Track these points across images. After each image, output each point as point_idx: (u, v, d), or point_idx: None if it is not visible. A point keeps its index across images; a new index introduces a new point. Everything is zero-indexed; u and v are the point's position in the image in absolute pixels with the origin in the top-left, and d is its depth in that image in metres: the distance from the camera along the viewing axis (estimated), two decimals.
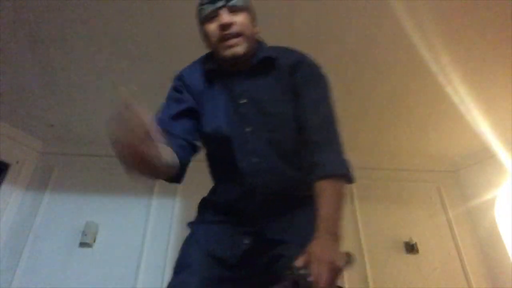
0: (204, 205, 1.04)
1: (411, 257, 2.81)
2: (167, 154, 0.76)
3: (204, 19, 0.95)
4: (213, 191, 1.05)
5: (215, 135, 0.93)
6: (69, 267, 2.56)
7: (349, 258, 0.70)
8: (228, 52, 0.92)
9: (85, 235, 2.64)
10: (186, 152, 0.88)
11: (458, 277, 2.75)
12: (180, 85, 0.99)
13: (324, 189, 0.80)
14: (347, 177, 0.84)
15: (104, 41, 2.01)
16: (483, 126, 2.58)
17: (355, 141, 2.99)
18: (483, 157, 2.96)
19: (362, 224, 2.92)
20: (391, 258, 2.80)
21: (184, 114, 0.94)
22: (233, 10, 0.93)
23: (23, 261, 2.57)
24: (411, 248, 2.81)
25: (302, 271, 0.65)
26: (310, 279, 0.64)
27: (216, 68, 0.99)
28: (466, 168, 3.16)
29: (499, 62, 2.08)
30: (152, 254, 2.62)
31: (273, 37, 1.99)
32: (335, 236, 0.75)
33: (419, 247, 2.82)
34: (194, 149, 0.93)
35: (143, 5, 1.80)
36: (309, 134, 0.89)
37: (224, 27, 0.90)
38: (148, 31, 1.95)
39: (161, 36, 1.95)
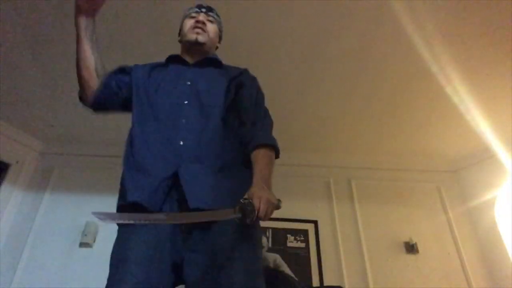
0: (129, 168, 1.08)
1: (411, 257, 2.81)
2: (96, 65, 1.13)
3: (186, 16, 1.31)
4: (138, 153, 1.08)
5: (162, 101, 1.13)
6: (69, 267, 2.56)
7: (279, 202, 0.93)
8: (194, 36, 1.23)
9: (85, 235, 2.64)
10: (109, 83, 1.17)
11: (458, 277, 2.75)
12: (129, 69, 1.26)
13: (259, 153, 1.04)
14: (275, 148, 1.08)
15: (104, 41, 2.01)
16: (483, 126, 2.58)
17: (356, 141, 3.00)
18: (483, 157, 2.96)
19: (362, 224, 2.92)
20: (391, 258, 2.80)
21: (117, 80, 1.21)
22: (208, 19, 1.29)
23: (23, 261, 2.56)
24: (411, 248, 2.81)
25: (246, 201, 0.87)
26: (254, 206, 0.86)
27: (177, 56, 1.27)
28: (466, 168, 3.16)
29: (499, 62, 2.08)
30: None
31: (274, 37, 2.01)
32: (268, 186, 0.97)
33: (419, 247, 2.82)
34: (115, 90, 1.19)
35: (143, 5, 1.80)
36: (248, 117, 1.14)
37: (199, 22, 1.26)
38: (148, 31, 1.96)
39: (161, 36, 1.95)
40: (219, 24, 1.36)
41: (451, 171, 3.25)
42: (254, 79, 1.28)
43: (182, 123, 1.07)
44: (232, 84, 1.19)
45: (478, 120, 2.52)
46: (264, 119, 1.17)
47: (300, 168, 3.07)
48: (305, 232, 2.85)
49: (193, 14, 1.28)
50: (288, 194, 3.15)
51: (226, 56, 1.36)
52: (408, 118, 2.66)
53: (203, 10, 1.30)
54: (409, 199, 3.08)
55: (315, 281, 2.64)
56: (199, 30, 1.24)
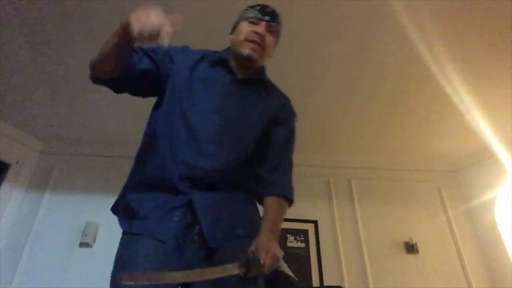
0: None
1: (411, 257, 2.81)
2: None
3: (245, 19, 1.13)
4: (143, 170, 1.07)
5: (195, 116, 1.04)
6: (69, 267, 2.56)
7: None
8: (247, 50, 1.08)
9: (85, 235, 2.64)
10: (132, 66, 0.99)
11: (458, 277, 2.75)
12: (157, 57, 1.07)
13: (275, 201, 1.05)
14: (291, 202, 1.10)
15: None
16: (483, 126, 2.58)
17: (356, 141, 3.00)
18: (483, 157, 2.96)
19: (362, 224, 2.92)
20: (391, 258, 2.80)
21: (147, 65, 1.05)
22: (269, 30, 1.12)
23: (23, 261, 2.56)
24: (411, 248, 2.81)
25: (252, 255, 0.85)
26: (260, 261, 0.84)
27: (226, 59, 1.13)
28: (466, 168, 3.16)
29: (499, 62, 2.08)
30: None
31: None
32: (276, 236, 0.96)
33: (419, 247, 2.82)
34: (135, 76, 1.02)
35: (143, 6, 1.80)
36: (274, 157, 1.13)
37: (257, 34, 1.09)
38: None
39: None
40: (279, 33, 1.19)
41: (451, 171, 3.25)
42: (293, 115, 1.23)
43: (209, 147, 1.01)
44: (272, 118, 1.14)
45: (478, 120, 2.52)
46: (288, 163, 1.17)
47: (300, 168, 3.03)
48: (305, 232, 2.85)
49: (254, 20, 1.11)
50: None
51: None
52: (408, 118, 2.66)
53: (266, 18, 1.11)
54: (409, 199, 3.08)
55: (315, 281, 2.64)
56: (255, 46, 1.08)
